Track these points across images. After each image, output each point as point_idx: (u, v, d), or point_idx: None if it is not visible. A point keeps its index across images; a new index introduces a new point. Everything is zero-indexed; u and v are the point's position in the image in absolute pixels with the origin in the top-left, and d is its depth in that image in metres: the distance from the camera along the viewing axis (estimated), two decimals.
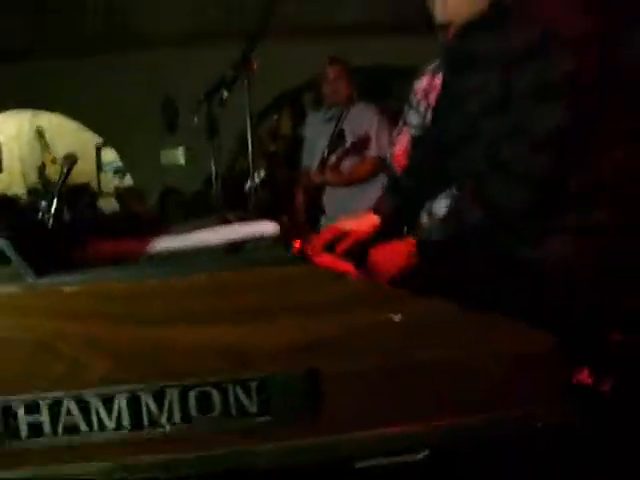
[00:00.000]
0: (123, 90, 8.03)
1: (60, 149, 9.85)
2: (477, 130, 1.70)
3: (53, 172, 9.10)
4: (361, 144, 4.21)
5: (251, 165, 3.20)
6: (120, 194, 6.81)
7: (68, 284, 1.16)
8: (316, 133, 4.51)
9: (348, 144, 4.30)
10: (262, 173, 8.00)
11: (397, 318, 1.25)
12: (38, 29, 8.01)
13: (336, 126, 4.31)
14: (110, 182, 8.98)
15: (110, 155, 8.92)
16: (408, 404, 1.21)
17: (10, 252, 1.17)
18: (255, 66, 2.81)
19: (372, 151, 4.12)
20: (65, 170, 3.55)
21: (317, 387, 1.19)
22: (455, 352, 1.24)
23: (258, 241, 1.45)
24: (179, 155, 8.06)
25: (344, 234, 1.70)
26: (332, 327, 1.21)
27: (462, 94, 1.75)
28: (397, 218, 1.96)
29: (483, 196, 1.59)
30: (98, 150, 9.34)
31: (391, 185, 2.35)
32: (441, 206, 2.39)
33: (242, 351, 1.19)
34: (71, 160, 3.59)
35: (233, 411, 1.18)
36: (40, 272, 1.19)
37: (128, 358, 1.16)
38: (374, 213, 1.86)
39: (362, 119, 4.23)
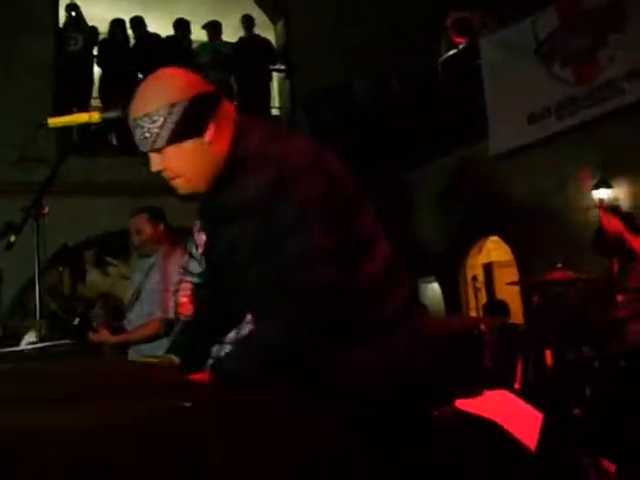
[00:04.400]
0: None
1: None
2: (248, 274, 1.89)
3: None
4: (150, 296, 4.16)
5: (38, 312, 3.12)
6: None
7: None
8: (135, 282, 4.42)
9: (141, 296, 4.26)
10: (33, 337, 7.58)
11: (187, 404, 1.34)
12: None
13: (146, 276, 4.23)
14: None
15: None
16: None
17: None
18: (46, 210, 2.81)
19: (158, 312, 4.09)
20: None
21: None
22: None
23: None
24: None
25: None
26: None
27: (226, 245, 1.94)
28: (191, 355, 2.10)
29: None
30: None
31: (182, 328, 2.50)
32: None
33: None
34: None
35: None
36: None
37: None
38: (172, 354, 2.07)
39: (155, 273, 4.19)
